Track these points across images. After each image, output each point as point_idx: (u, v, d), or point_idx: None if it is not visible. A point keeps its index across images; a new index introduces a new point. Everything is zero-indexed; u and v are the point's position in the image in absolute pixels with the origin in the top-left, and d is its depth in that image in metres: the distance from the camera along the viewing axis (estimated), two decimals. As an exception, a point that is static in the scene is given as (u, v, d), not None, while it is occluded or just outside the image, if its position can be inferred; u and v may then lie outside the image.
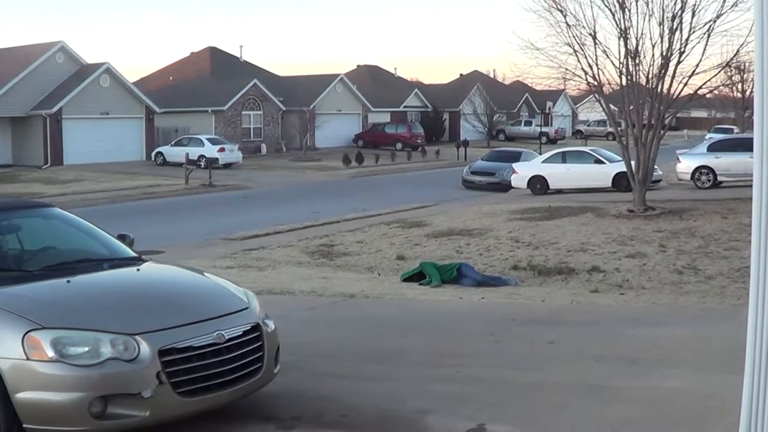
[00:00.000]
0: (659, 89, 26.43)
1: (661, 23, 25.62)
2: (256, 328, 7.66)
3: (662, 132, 27.13)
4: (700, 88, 27.64)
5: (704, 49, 25.90)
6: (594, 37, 26.39)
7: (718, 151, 33.36)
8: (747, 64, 32.11)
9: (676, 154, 36.16)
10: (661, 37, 25.72)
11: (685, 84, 26.90)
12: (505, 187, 38.08)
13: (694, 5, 25.35)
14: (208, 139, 54.88)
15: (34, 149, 53.41)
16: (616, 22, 25.96)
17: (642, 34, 26.01)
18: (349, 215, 29.17)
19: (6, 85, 51.98)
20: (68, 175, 47.24)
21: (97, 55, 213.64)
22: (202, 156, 50.23)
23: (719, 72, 28.30)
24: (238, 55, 78.86)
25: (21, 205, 10.46)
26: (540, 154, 43.03)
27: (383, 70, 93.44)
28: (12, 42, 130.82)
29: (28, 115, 53.22)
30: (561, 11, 26.50)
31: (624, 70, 26.48)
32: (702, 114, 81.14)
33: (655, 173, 29.96)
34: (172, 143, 56.21)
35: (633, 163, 26.69)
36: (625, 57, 26.26)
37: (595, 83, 27.39)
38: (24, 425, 6.61)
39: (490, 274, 17.25)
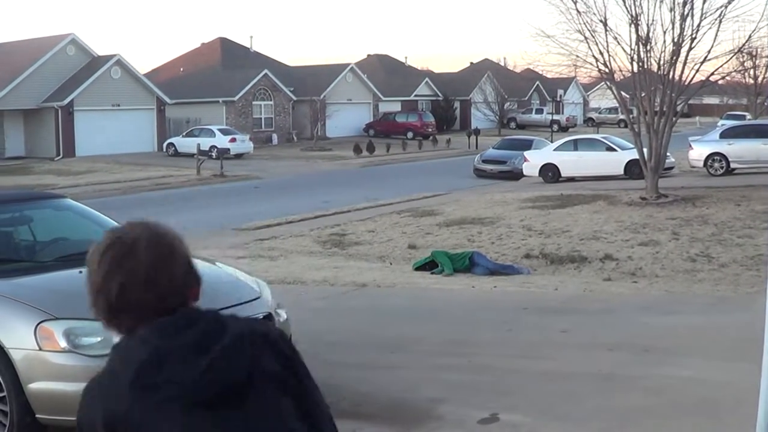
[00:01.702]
0: (671, 76, 26.32)
1: (672, 9, 25.51)
2: (268, 317, 7.66)
3: (674, 119, 27.02)
4: (712, 74, 27.55)
5: (716, 35, 25.82)
6: (605, 24, 26.29)
7: (731, 138, 33.21)
8: (759, 49, 32.03)
9: (688, 141, 36.01)
10: (673, 23, 25.62)
11: (697, 70, 26.81)
12: (516, 175, 37.99)
13: (706, -10, 25.25)
14: (219, 130, 54.88)
15: (47, 141, 53.53)
16: (627, 9, 25.85)
17: (653, 20, 25.92)
18: (360, 204, 29.13)
19: (18, 78, 52.08)
20: (80, 167, 47.31)
21: (108, 47, 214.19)
22: (213, 146, 50.20)
23: (731, 58, 28.21)
24: (249, 46, 78.86)
25: (33, 197, 10.50)
26: (551, 142, 42.93)
27: (394, 59, 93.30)
28: (23, 35, 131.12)
29: (40, 107, 53.32)
30: (572, -2, 26.41)
31: (635, 56, 26.36)
32: (714, 100, 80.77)
33: (667, 160, 29.82)
34: (184, 134, 56.25)
35: (645, 150, 26.58)
36: (637, 43, 26.16)
37: (607, 70, 27.28)
38: (37, 415, 6.63)
39: (502, 263, 17.20)
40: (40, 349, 6.56)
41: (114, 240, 2.50)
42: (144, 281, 2.44)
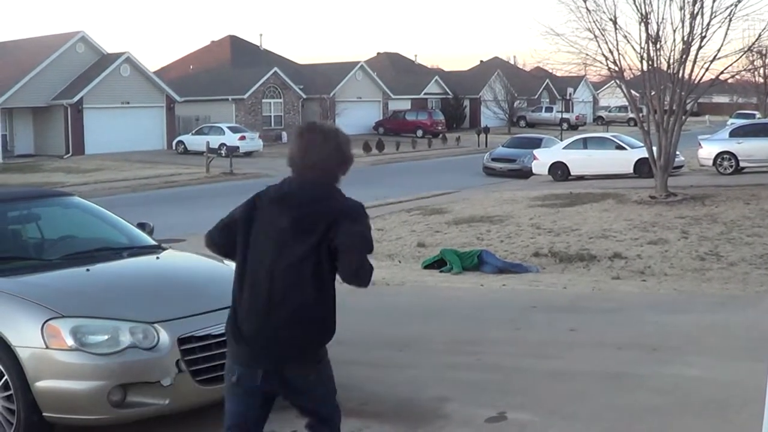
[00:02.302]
0: (680, 74, 26.27)
1: (682, 8, 25.47)
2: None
3: (684, 117, 26.96)
4: (722, 73, 27.49)
5: (725, 34, 25.77)
6: (614, 22, 26.25)
7: (740, 137, 33.12)
8: (769, 48, 31.90)
9: (697, 139, 35.94)
10: (682, 21, 25.57)
11: (707, 69, 26.75)
12: (526, 173, 37.97)
13: (716, -11, 25.19)
14: (228, 128, 54.94)
15: (56, 139, 53.64)
16: (636, 7, 25.81)
17: (663, 18, 25.90)
18: (369, 203, 29.05)
19: (27, 76, 52.19)
20: (89, 165, 47.39)
21: (118, 44, 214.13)
22: (222, 144, 50.25)
23: (741, 57, 28.12)
24: (258, 44, 78.91)
25: (41, 194, 10.50)
26: (561, 140, 42.88)
27: (403, 58, 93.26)
28: (33, 32, 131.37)
29: (50, 105, 53.43)
30: (581, -4, 26.36)
31: (645, 55, 26.32)
32: (724, 99, 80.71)
33: (676, 159, 29.78)
34: (193, 132, 56.32)
35: (654, 149, 26.54)
36: (646, 42, 26.11)
37: (616, 69, 27.24)
38: (44, 414, 6.63)
39: (511, 261, 17.18)
40: (47, 348, 6.56)
41: (308, 126, 5.14)
42: (310, 153, 4.92)
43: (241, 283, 4.95)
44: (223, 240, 5.41)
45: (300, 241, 4.74)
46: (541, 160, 36.93)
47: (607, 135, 40.91)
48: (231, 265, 8.51)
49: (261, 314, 4.79)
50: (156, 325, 6.80)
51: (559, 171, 35.67)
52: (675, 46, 26.01)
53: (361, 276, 4.75)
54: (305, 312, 4.75)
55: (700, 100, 36.05)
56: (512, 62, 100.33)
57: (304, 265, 4.72)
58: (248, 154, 52.12)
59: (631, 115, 62.98)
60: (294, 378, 4.93)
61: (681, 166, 34.17)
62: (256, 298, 4.82)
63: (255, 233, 4.95)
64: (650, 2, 25.66)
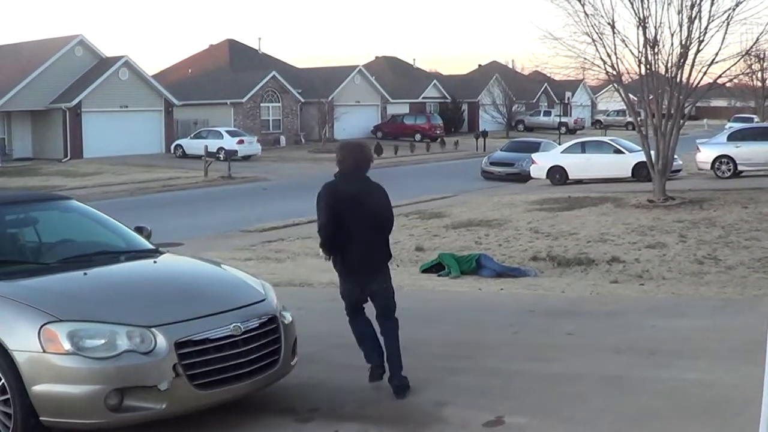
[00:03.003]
0: (678, 78, 26.30)
1: (680, 12, 25.48)
2: (273, 320, 7.65)
3: (682, 121, 26.97)
4: (720, 77, 27.48)
5: (723, 38, 25.76)
6: (612, 27, 26.26)
7: (738, 141, 33.14)
8: (767, 52, 31.94)
9: (695, 143, 35.97)
10: (680, 25, 25.59)
11: (705, 73, 26.77)
12: (524, 177, 37.98)
13: (713, -7, 25.20)
14: (227, 132, 54.99)
15: (54, 142, 53.64)
16: (634, 11, 25.84)
17: (661, 22, 25.89)
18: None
19: (26, 79, 52.20)
20: (88, 168, 47.39)
21: (116, 48, 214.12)
22: (221, 148, 50.29)
23: (739, 61, 28.15)
24: (257, 48, 78.87)
25: (38, 198, 10.49)
26: (559, 144, 42.89)
27: (402, 62, 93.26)
28: (31, 36, 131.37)
29: (48, 108, 53.40)
30: (579, 0, 26.38)
31: (643, 59, 26.35)
32: (722, 103, 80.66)
33: (674, 163, 29.81)
34: (191, 136, 56.34)
35: (653, 152, 26.55)
36: (644, 46, 26.13)
37: (614, 73, 27.26)
38: (40, 418, 6.63)
39: (509, 265, 17.19)
40: (44, 351, 6.55)
41: (348, 142, 8.75)
42: (356, 159, 8.34)
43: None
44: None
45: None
46: (540, 164, 36.95)
47: (606, 139, 40.92)
48: (228, 269, 8.61)
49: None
50: (153, 329, 6.79)
51: (558, 175, 35.68)
52: (673, 50, 26.06)
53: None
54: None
55: (698, 104, 36.08)
56: (510, 66, 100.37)
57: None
58: (246, 158, 52.14)
59: (630, 119, 62.92)
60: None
61: (679, 170, 34.21)
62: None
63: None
64: (648, 6, 25.70)
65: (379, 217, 8.43)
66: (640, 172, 32.82)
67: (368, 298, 8.59)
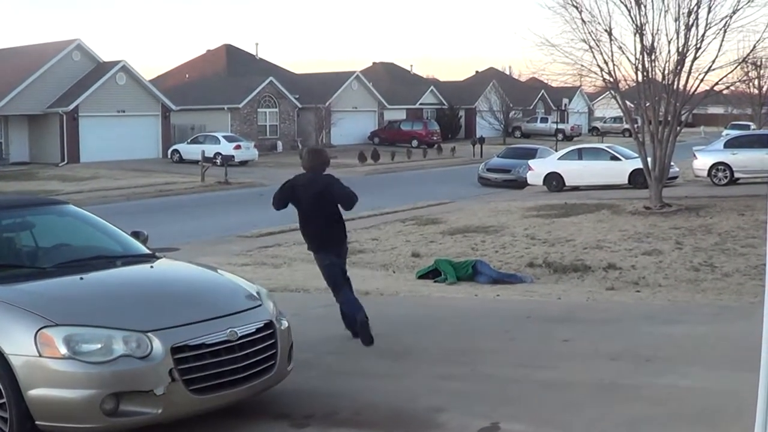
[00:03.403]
0: (675, 85, 26.34)
1: (676, 19, 25.53)
2: (269, 325, 7.64)
3: (678, 128, 27.02)
4: (717, 84, 27.55)
5: (720, 45, 25.81)
6: (609, 33, 26.31)
7: (735, 148, 33.19)
8: (763, 59, 32.06)
9: (692, 150, 36.01)
10: (677, 33, 25.63)
11: (701, 80, 26.84)
12: (521, 184, 37.99)
13: (710, 1, 25.28)
14: (224, 137, 55.00)
15: (51, 147, 53.62)
16: (631, 18, 25.89)
17: (658, 30, 25.95)
18: (364, 212, 29.09)
19: (23, 83, 52.19)
20: (85, 173, 47.37)
21: (114, 52, 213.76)
22: (218, 153, 50.26)
23: (735, 68, 28.25)
24: (254, 53, 78.96)
25: (35, 203, 10.49)
26: (556, 151, 42.90)
27: (399, 68, 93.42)
28: (29, 40, 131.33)
29: (45, 112, 53.41)
30: (576, 7, 26.45)
31: (640, 66, 26.38)
32: (718, 110, 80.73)
33: (671, 170, 29.84)
34: (188, 141, 56.35)
35: (649, 159, 26.59)
36: (641, 53, 26.17)
37: (611, 80, 27.30)
38: (36, 422, 6.62)
39: (505, 272, 17.19)
40: (40, 356, 6.55)
41: (310, 148, 11.44)
42: (312, 161, 10.76)
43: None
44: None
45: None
46: (536, 170, 36.96)
47: (602, 146, 41.01)
48: (225, 274, 8.61)
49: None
50: (149, 334, 6.79)
51: (554, 181, 35.70)
52: (670, 57, 26.12)
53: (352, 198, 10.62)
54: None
55: (694, 111, 36.19)
56: (508, 73, 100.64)
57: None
58: (243, 163, 52.15)
59: (626, 126, 62.98)
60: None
61: (676, 177, 34.24)
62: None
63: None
64: (645, 13, 25.77)
65: (323, 197, 10.56)
66: (636, 179, 32.85)
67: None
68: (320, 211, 10.62)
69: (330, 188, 10.56)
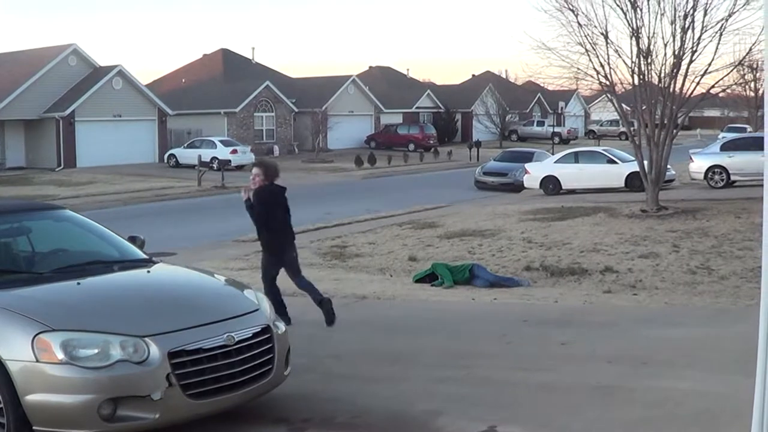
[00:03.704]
0: (671, 88, 26.33)
1: (673, 22, 25.52)
2: (266, 329, 7.65)
3: (675, 131, 27.02)
4: (713, 87, 27.52)
5: (716, 48, 25.77)
6: (606, 37, 26.30)
7: (731, 151, 33.21)
8: (760, 62, 31.94)
9: (689, 153, 36.02)
10: (673, 36, 25.63)
11: (698, 83, 26.80)
12: (517, 187, 37.99)
13: (706, 4, 25.25)
14: (220, 141, 55.00)
15: (48, 152, 53.60)
16: (627, 22, 25.87)
17: (654, 33, 25.93)
18: (361, 216, 29.13)
19: (19, 88, 52.16)
20: (81, 178, 47.35)
21: (110, 57, 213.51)
22: (214, 158, 50.30)
23: (732, 71, 28.21)
24: (251, 57, 78.93)
25: (32, 207, 10.47)
26: (552, 154, 42.92)
27: (395, 71, 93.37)
28: (25, 45, 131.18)
29: (41, 117, 53.38)
30: (572, 11, 26.42)
31: (636, 69, 26.37)
32: (715, 113, 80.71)
33: (668, 173, 29.82)
34: (185, 145, 56.34)
35: (646, 162, 26.58)
36: (637, 56, 26.17)
37: (607, 83, 27.29)
38: (33, 427, 6.62)
39: (502, 275, 17.17)
40: (38, 361, 6.55)
41: (260, 160, 13.28)
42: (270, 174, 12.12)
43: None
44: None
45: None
46: (533, 174, 36.96)
47: (599, 149, 40.98)
48: (222, 279, 8.62)
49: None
50: (146, 338, 6.80)
51: (551, 185, 35.70)
52: (666, 61, 26.09)
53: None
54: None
55: (691, 114, 36.10)
56: (504, 76, 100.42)
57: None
58: (240, 167, 52.06)
59: (623, 129, 63.08)
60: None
61: (672, 180, 34.24)
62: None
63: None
64: (641, 17, 25.74)
65: (280, 205, 12.16)
66: (633, 182, 32.85)
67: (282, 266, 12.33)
68: (280, 217, 12.21)
69: (284, 197, 12.33)
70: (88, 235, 9.13)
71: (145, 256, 8.86)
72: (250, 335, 7.43)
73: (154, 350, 6.76)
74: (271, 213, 12.01)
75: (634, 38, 25.95)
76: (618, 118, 37.35)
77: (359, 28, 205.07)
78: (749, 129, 57.00)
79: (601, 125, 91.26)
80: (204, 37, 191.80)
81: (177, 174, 49.56)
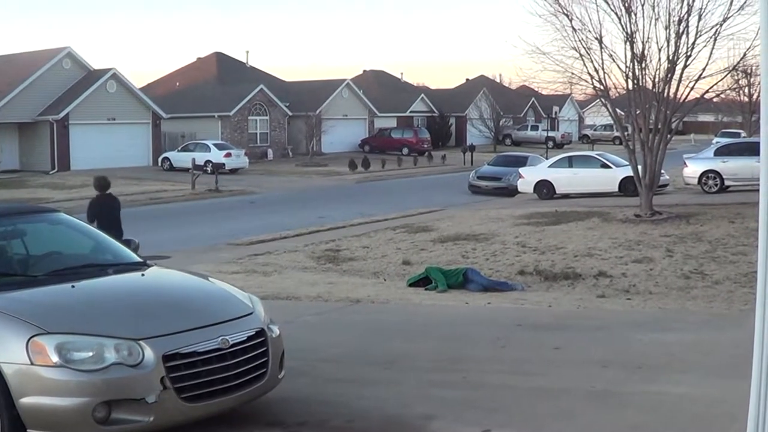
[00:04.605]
0: (666, 93, 26.37)
1: (667, 27, 25.56)
2: (260, 333, 7.64)
3: (669, 136, 27.05)
4: (707, 92, 27.56)
5: (711, 53, 25.82)
6: (600, 42, 26.34)
7: (725, 156, 33.24)
8: (754, 67, 31.93)
9: (683, 158, 36.07)
10: (668, 40, 25.66)
11: (692, 88, 26.84)
12: (511, 191, 38.01)
13: (701, 9, 25.29)
14: (214, 145, 54.97)
15: (42, 155, 53.53)
16: (622, 26, 25.91)
17: (648, 38, 25.97)
18: (355, 220, 29.16)
19: (13, 91, 52.10)
20: (75, 181, 47.24)
21: (104, 60, 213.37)
22: (208, 161, 50.29)
23: (726, 76, 28.24)
24: (245, 61, 78.90)
25: (27, 210, 10.44)
26: (546, 158, 42.94)
27: (389, 75, 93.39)
28: (19, 48, 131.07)
29: (35, 120, 53.31)
30: (567, 15, 26.46)
31: (630, 74, 26.41)
32: (709, 118, 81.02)
33: (661, 178, 29.87)
34: (179, 148, 56.32)
35: (640, 167, 26.62)
36: (632, 61, 26.21)
37: (602, 87, 27.32)
38: (28, 430, 6.60)
39: (496, 279, 17.20)
40: (32, 364, 6.53)
41: (97, 176, 17.14)
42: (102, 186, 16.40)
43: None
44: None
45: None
46: (527, 178, 36.97)
47: (593, 153, 41.01)
48: (216, 282, 8.61)
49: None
50: (141, 341, 6.79)
51: (545, 189, 35.73)
52: (660, 65, 26.14)
53: None
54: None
55: (685, 119, 36.22)
56: (498, 80, 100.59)
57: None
58: (234, 171, 52.13)
59: (617, 134, 63.23)
60: None
61: (666, 185, 34.28)
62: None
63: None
64: (636, 21, 25.78)
65: (116, 212, 15.64)
66: (627, 186, 32.87)
67: None
68: (114, 223, 15.11)
69: (118, 206, 16.09)
70: (82, 238, 9.13)
71: (139, 260, 8.85)
72: (245, 338, 7.42)
73: (149, 353, 6.75)
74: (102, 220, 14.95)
75: (628, 43, 26.00)
76: (612, 122, 37.32)
77: (353, 32, 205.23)
78: (743, 134, 57.08)
79: (595, 130, 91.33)
80: (198, 40, 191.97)
81: (171, 177, 49.54)
